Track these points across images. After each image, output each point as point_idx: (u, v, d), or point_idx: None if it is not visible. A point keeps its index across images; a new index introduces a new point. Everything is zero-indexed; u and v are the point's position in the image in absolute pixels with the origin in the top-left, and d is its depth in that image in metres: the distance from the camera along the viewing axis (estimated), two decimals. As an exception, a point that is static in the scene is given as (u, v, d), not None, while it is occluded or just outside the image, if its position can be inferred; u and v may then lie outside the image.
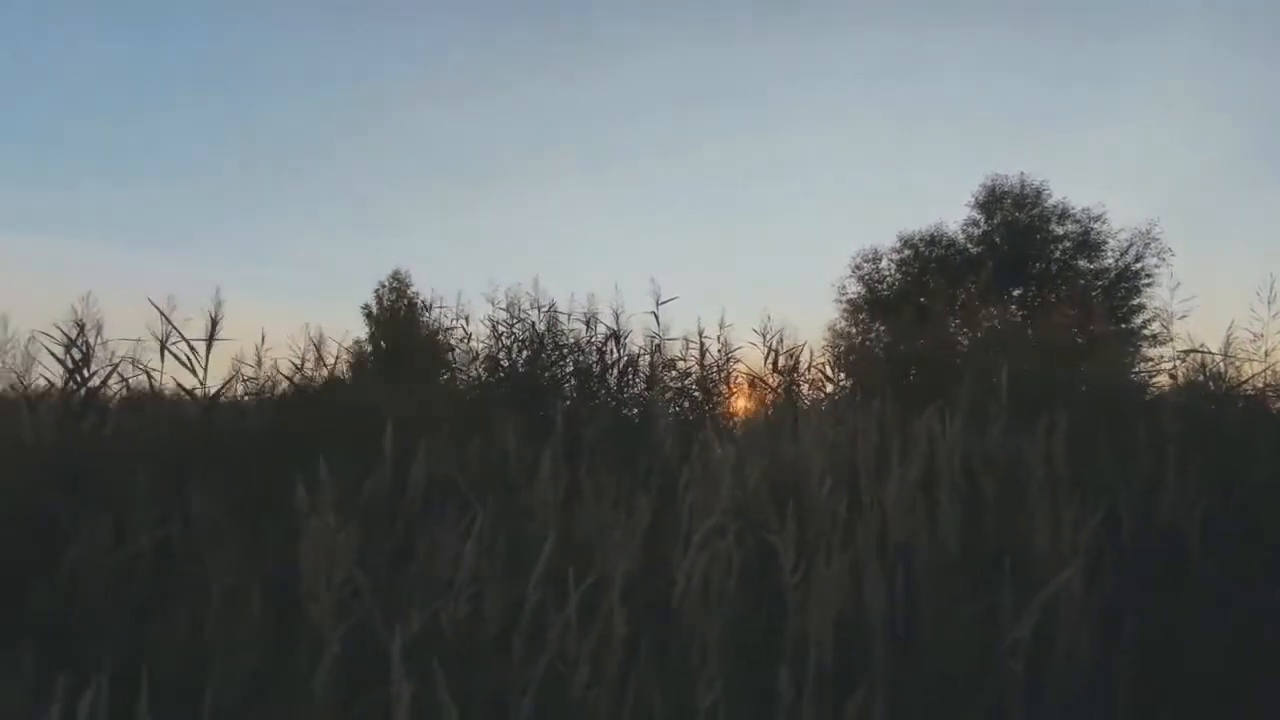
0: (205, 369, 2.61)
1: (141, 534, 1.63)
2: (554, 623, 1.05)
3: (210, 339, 2.72)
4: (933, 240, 15.79)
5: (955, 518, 1.40)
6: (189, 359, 2.63)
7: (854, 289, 16.41)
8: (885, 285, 16.05)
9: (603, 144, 27.75)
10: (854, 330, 16.38)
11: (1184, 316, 2.90)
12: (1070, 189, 15.04)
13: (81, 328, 2.68)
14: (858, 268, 16.44)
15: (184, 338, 2.68)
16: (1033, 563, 1.42)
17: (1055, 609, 1.32)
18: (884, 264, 16.28)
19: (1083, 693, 1.31)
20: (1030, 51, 21.20)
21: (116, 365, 2.76)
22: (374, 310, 36.87)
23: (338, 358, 3.64)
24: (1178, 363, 2.83)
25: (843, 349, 7.80)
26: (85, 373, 2.65)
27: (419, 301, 34.38)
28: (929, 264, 15.66)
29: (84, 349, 2.65)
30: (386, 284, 38.29)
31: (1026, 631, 1.16)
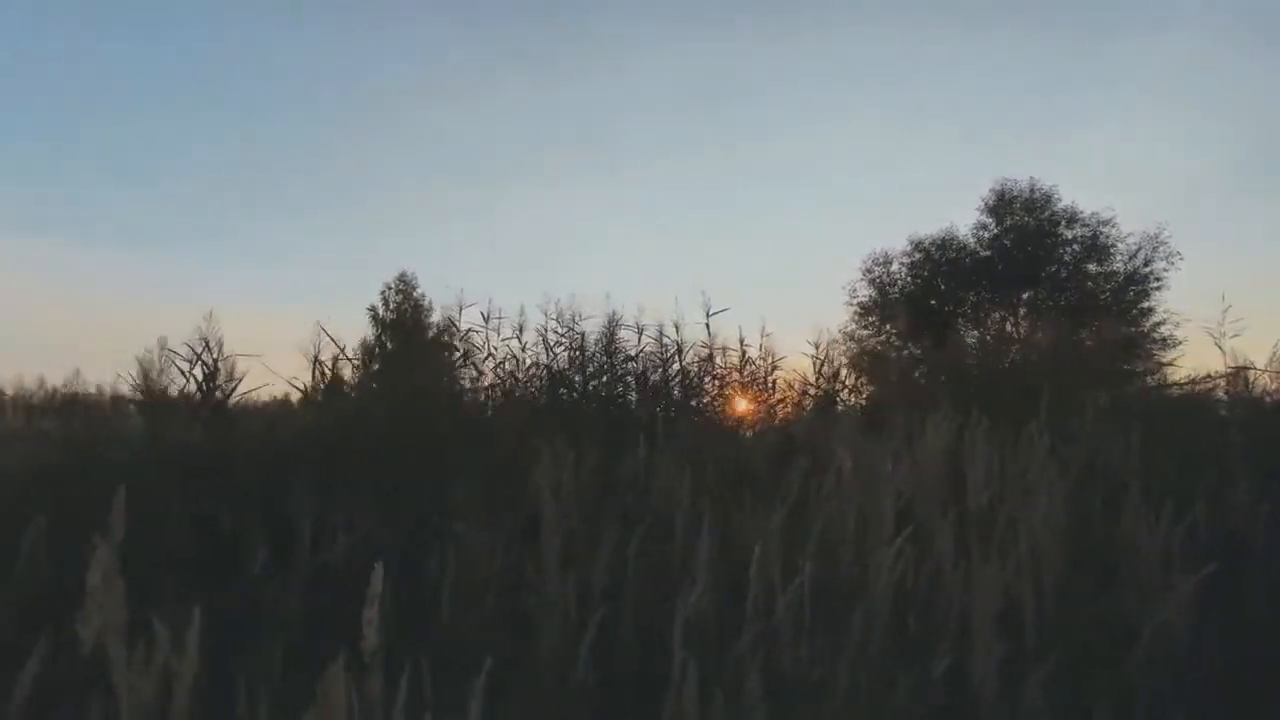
0: (323, 378, 2.83)
1: (336, 535, 1.83)
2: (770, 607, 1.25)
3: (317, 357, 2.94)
4: (943, 244, 15.97)
5: (1079, 522, 1.61)
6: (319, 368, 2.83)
7: (865, 292, 16.59)
8: (897, 288, 16.23)
9: (608, 145, 27.92)
10: (865, 333, 16.63)
11: (1236, 336, 3.09)
12: (1070, 190, 15.28)
13: (207, 343, 2.89)
14: (868, 270, 16.62)
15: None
16: (1138, 558, 1.63)
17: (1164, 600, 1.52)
18: (895, 267, 16.46)
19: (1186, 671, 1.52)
20: (1031, 54, 21.46)
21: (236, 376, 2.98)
22: (380, 312, 36.73)
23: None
24: (1228, 377, 3.04)
25: (870, 358, 8.02)
26: (214, 383, 2.86)
27: (425, 303, 34.10)
28: (940, 267, 15.86)
29: (211, 363, 2.86)
30: (393, 285, 37.96)
31: (1158, 618, 1.36)
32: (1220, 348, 3.07)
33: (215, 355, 2.84)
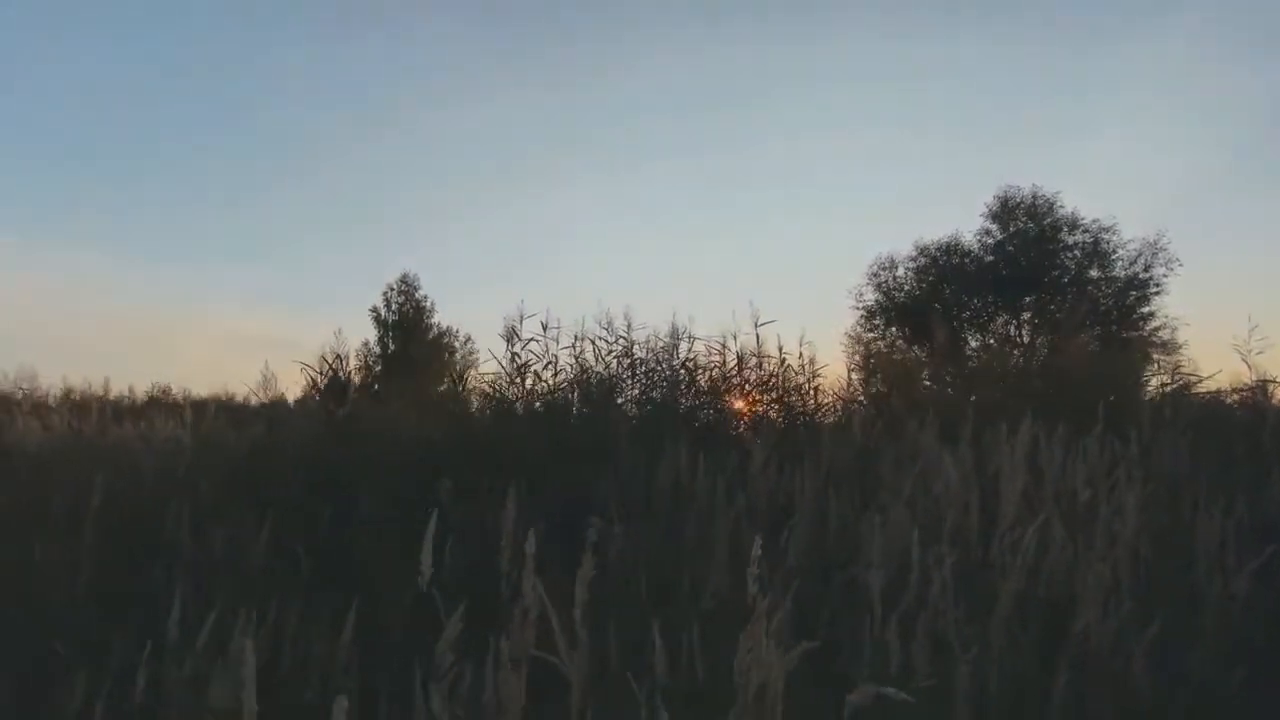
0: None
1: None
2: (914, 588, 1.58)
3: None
4: (948, 249, 16.37)
5: (1157, 517, 1.95)
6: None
7: (870, 296, 16.98)
8: (903, 293, 16.63)
9: (611, 147, 28.23)
10: (871, 336, 17.03)
11: (1260, 353, 3.44)
12: (1070, 193, 15.71)
13: (339, 356, 3.22)
14: (875, 275, 17.02)
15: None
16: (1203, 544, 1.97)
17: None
18: (900, 272, 16.86)
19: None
20: (1024, 57, 21.95)
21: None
22: (382, 313, 36.75)
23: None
24: (1260, 388, 3.39)
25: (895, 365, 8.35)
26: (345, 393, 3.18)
27: (427, 304, 34.09)
28: (945, 272, 16.26)
29: (345, 374, 3.18)
30: (395, 286, 38.02)
31: (1233, 589, 1.70)
32: (1247, 363, 3.44)
33: (345, 365, 3.16)
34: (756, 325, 4.95)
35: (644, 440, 2.90)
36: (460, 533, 2.29)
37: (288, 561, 2.19)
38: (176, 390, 10.02)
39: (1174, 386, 3.92)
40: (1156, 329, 14.23)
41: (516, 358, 5.16)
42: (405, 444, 2.90)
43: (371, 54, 24.29)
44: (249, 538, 2.07)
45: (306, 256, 36.13)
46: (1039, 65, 22.18)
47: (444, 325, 33.32)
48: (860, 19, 21.48)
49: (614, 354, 4.67)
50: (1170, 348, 13.30)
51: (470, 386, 4.52)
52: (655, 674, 1.26)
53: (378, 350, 33.46)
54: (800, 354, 4.95)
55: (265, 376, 3.45)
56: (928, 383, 4.89)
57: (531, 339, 5.08)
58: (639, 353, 4.72)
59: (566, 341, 5.01)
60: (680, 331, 4.44)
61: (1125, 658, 1.56)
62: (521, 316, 5.27)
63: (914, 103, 24.21)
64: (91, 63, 23.46)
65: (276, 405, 3.39)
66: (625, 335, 4.96)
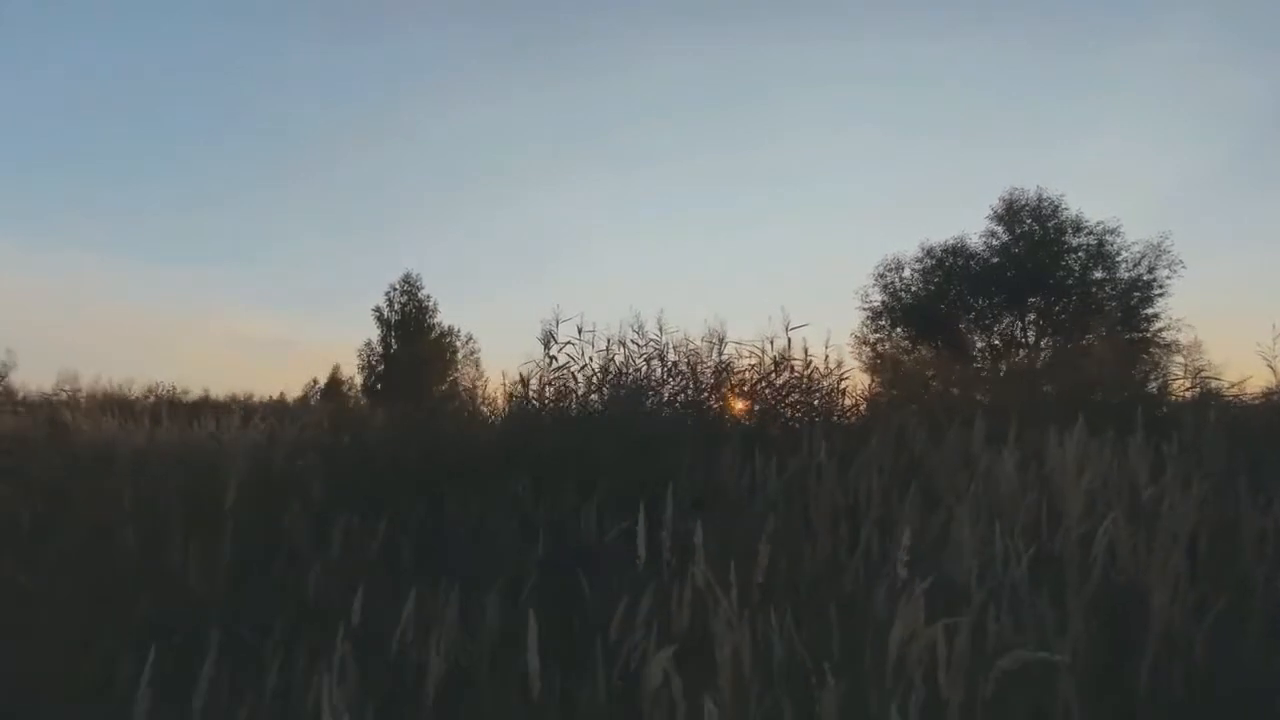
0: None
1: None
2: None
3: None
4: (954, 251, 16.56)
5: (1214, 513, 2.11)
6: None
7: (877, 296, 17.16)
8: (910, 294, 16.81)
9: (614, 148, 28.37)
10: (876, 336, 17.22)
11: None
12: (1073, 193, 15.96)
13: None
14: (881, 276, 17.21)
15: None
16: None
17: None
18: (906, 273, 17.04)
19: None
20: (1029, 59, 22.20)
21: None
22: (385, 313, 36.61)
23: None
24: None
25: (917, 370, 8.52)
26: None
27: (430, 304, 33.86)
28: (951, 274, 16.44)
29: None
30: (398, 286, 37.96)
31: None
32: (1272, 369, 3.62)
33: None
34: (788, 329, 5.15)
35: (706, 440, 3.06)
36: (549, 527, 2.45)
37: (390, 554, 2.34)
38: (178, 390, 10.09)
39: (1201, 389, 4.09)
40: (1161, 330, 14.44)
41: (554, 360, 5.31)
42: (481, 446, 3.05)
43: (374, 54, 24.45)
44: (367, 532, 2.22)
45: (305, 257, 36.15)
46: (1043, 67, 22.44)
47: (446, 325, 33.36)
48: (865, 20, 21.72)
49: (654, 357, 4.83)
50: (1175, 348, 13.49)
51: (515, 390, 4.65)
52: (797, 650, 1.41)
53: (380, 350, 33.55)
54: (826, 357, 5.15)
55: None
56: (956, 389, 5.05)
57: (569, 342, 5.24)
58: (673, 356, 4.90)
59: (596, 344, 5.21)
60: (716, 336, 4.60)
61: (1190, 640, 1.72)
62: (557, 320, 5.42)
63: (921, 104, 24.49)
64: (91, 63, 23.52)
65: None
66: (658, 339, 5.15)
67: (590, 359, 5.00)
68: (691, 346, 4.75)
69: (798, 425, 4.15)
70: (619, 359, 4.59)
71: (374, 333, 32.37)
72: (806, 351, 5.15)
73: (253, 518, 2.23)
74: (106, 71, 24.46)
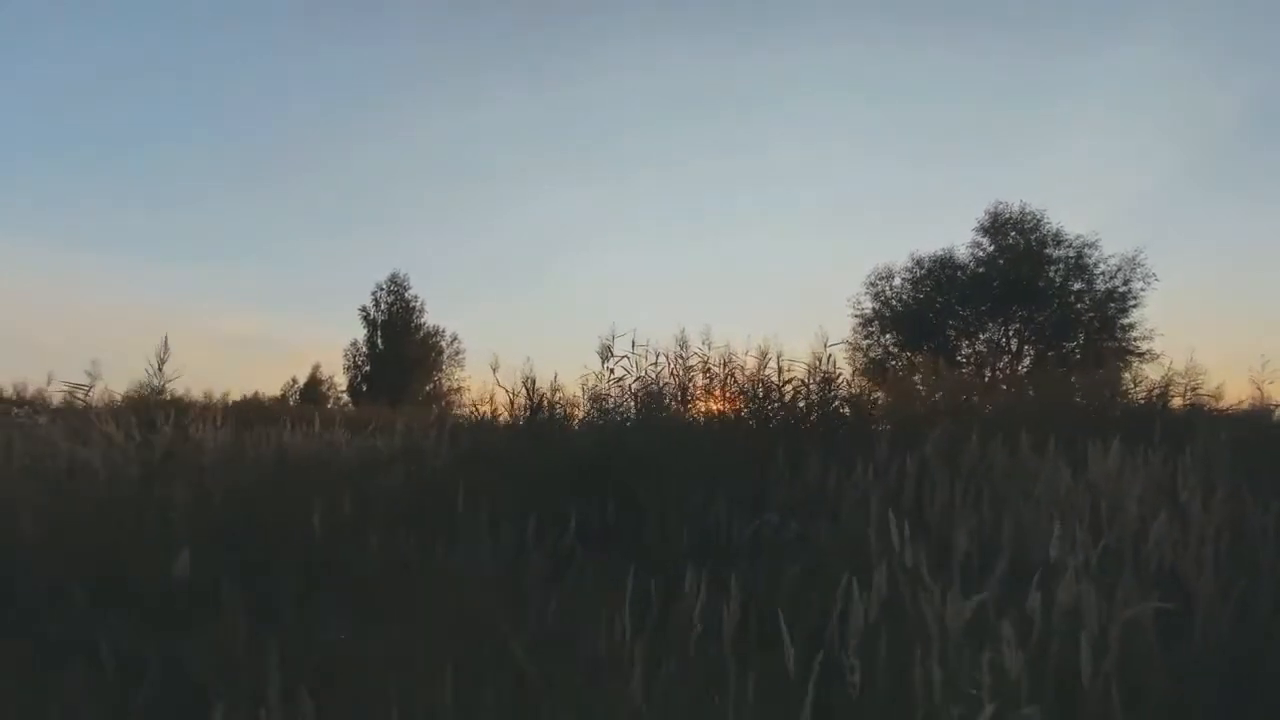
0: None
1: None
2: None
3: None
4: (943, 261, 17.32)
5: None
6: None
7: (868, 304, 17.88)
8: (899, 302, 17.54)
9: (602, 155, 28.80)
10: (867, 342, 17.93)
11: (1271, 382, 4.21)
12: (1049, 208, 16.82)
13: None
14: (873, 285, 17.93)
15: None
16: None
17: None
18: (897, 282, 17.78)
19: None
20: (984, 69, 23.19)
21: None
22: (371, 313, 36.22)
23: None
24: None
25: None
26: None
27: (416, 304, 33.56)
28: (940, 283, 17.20)
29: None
30: (384, 286, 37.54)
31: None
32: (1260, 389, 4.22)
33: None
34: (826, 346, 5.65)
35: (785, 447, 3.55)
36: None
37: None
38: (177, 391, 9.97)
39: (1198, 403, 4.70)
40: (1137, 339, 15.32)
41: (612, 372, 5.75)
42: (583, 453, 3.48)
43: (362, 53, 24.52)
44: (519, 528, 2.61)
45: (289, 256, 35.82)
46: (1013, 76, 23.39)
47: (431, 325, 33.20)
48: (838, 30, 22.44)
49: (716, 372, 5.31)
50: (1149, 357, 14.37)
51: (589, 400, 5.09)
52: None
53: (366, 350, 33.33)
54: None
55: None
56: (977, 398, 5.60)
57: (624, 356, 5.68)
58: (719, 370, 5.39)
59: (648, 358, 5.66)
60: (763, 352, 5.08)
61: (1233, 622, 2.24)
62: (614, 335, 5.85)
63: (909, 116, 25.32)
64: (72, 58, 23.22)
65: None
66: (704, 353, 5.63)
67: (661, 372, 5.45)
68: (740, 362, 5.23)
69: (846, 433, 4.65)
70: (681, 374, 5.03)
71: (351, 334, 32.19)
72: (835, 363, 5.71)
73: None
74: (88, 66, 24.18)
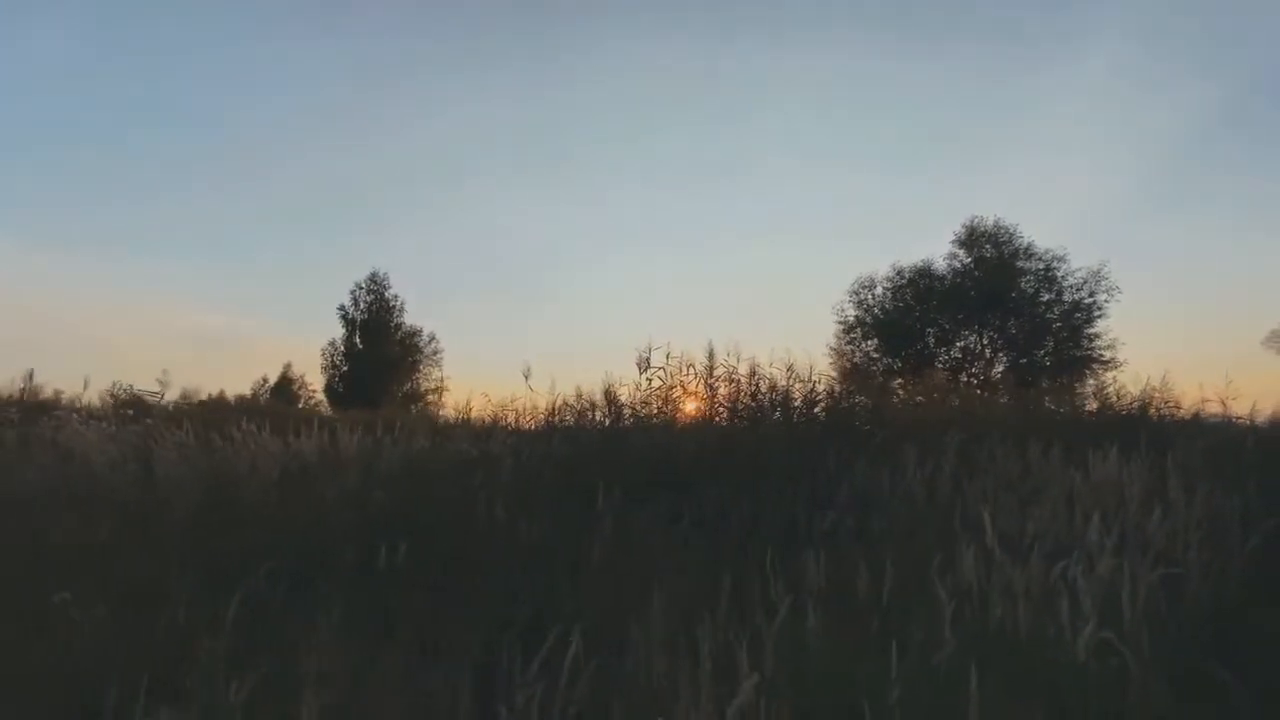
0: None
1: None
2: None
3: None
4: (922, 272, 18.26)
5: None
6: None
7: (851, 312, 18.74)
8: (880, 309, 18.43)
9: (589, 160, 29.27)
10: (849, 348, 18.78)
11: (1234, 399, 4.96)
12: (1021, 223, 17.91)
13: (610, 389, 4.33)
14: (856, 293, 18.79)
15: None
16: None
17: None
18: (879, 290, 18.66)
19: None
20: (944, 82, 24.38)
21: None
22: (350, 312, 35.76)
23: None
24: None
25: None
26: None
27: (396, 304, 33.18)
28: (919, 292, 18.13)
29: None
30: (364, 285, 37.09)
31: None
32: (1224, 404, 4.99)
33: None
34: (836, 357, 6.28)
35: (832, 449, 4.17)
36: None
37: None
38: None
39: (1171, 415, 5.46)
40: (1102, 349, 16.42)
41: (650, 382, 6.28)
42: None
43: (343, 51, 24.56)
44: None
45: (257, 253, 35.26)
46: (1004, 91, 24.58)
47: (410, 325, 32.99)
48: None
49: (741, 379, 5.89)
50: (1113, 365, 15.47)
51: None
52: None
53: (344, 349, 32.98)
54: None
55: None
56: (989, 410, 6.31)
57: (660, 368, 6.23)
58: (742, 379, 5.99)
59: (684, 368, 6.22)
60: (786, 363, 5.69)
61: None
62: (650, 347, 6.39)
63: (886, 127, 26.35)
64: (45, 55, 22.80)
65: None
66: (732, 363, 6.23)
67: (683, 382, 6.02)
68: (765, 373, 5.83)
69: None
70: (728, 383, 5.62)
71: (326, 334, 31.80)
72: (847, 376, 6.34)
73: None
74: (58, 61, 23.75)
